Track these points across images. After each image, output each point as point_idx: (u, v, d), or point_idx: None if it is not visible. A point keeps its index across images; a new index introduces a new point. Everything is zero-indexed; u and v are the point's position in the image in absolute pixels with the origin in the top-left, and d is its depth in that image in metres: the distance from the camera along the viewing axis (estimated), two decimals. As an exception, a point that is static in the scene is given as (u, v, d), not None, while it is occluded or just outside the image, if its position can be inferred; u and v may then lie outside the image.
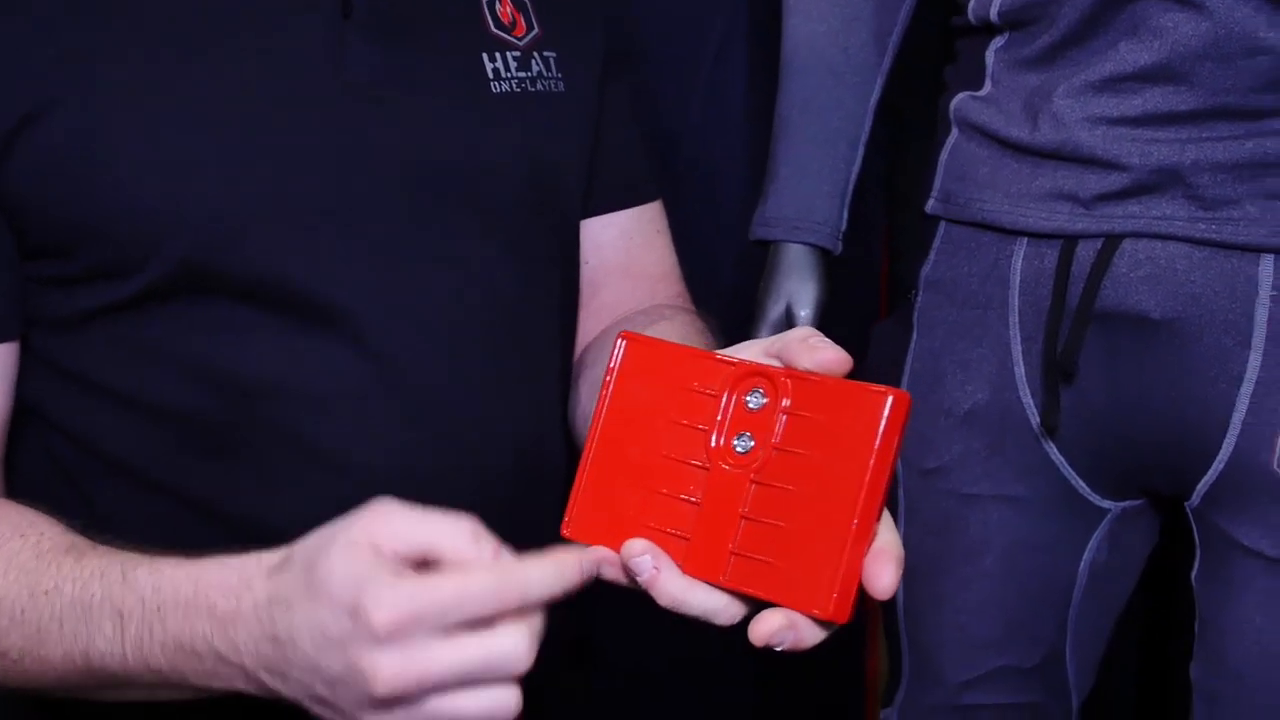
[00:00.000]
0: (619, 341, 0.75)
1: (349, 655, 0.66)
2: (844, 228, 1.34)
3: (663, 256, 1.15)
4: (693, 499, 0.71)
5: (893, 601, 1.27)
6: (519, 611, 0.66)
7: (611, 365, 0.75)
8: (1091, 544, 1.24)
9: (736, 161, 1.68)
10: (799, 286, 1.32)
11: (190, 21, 0.92)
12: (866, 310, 1.67)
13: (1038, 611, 1.26)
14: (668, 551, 0.71)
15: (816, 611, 0.66)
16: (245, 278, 0.91)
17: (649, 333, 0.92)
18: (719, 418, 0.71)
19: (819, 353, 0.71)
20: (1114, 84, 1.08)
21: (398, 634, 0.64)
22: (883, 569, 0.67)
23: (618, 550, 0.72)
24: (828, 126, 1.33)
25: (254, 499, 0.92)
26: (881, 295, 1.76)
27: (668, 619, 0.73)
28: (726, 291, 1.54)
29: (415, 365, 0.93)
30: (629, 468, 0.73)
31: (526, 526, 0.79)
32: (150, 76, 0.90)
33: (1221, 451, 1.11)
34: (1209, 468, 1.12)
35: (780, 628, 0.67)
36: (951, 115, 1.22)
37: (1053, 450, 1.19)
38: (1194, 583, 1.20)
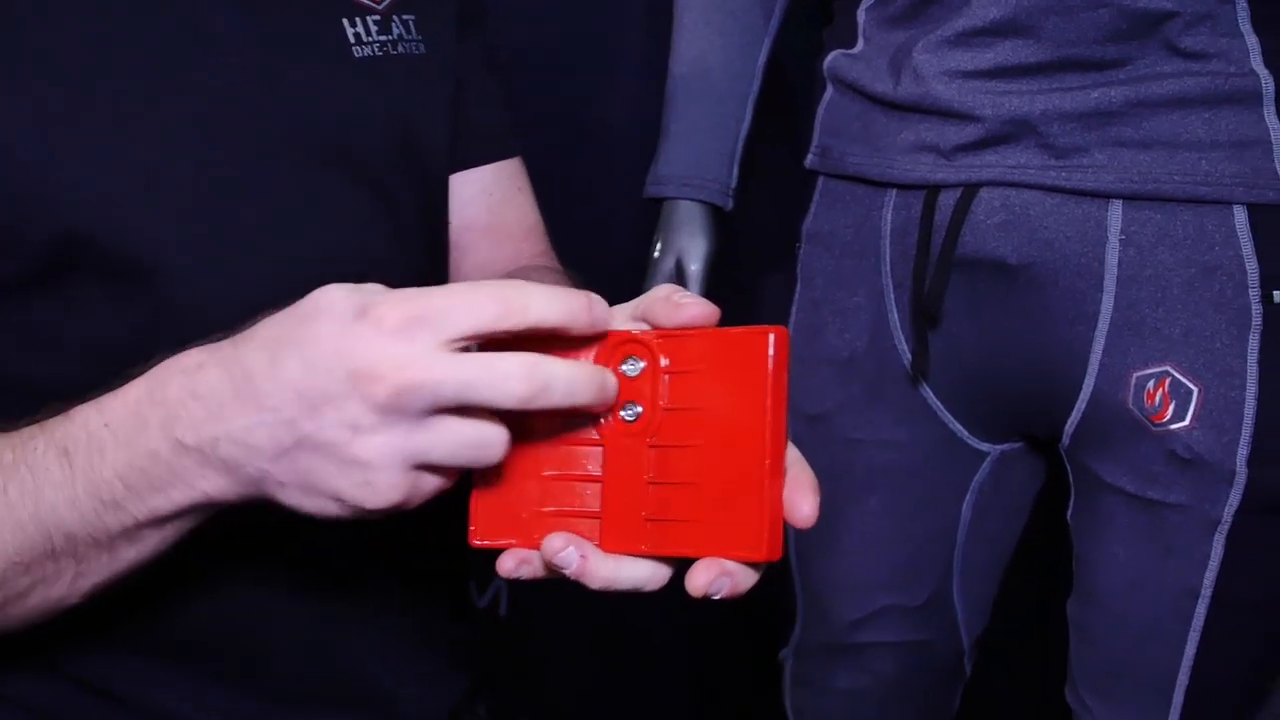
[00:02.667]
0: None
1: (354, 355, 0.64)
2: (734, 184, 1.38)
3: (526, 213, 1.17)
4: (594, 476, 0.71)
5: (785, 545, 1.31)
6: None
7: None
8: (973, 486, 1.28)
9: (632, 121, 1.72)
10: (689, 241, 1.36)
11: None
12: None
13: (923, 552, 1.30)
14: (582, 533, 0.70)
15: (751, 555, 0.66)
16: (116, 254, 0.90)
17: None
18: None
19: (684, 310, 0.71)
20: (968, 39, 1.12)
21: (406, 328, 0.64)
22: (802, 499, 0.68)
23: (534, 544, 0.71)
24: (717, 86, 1.36)
25: None
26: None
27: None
28: (625, 250, 1.58)
29: None
30: (521, 460, 0.72)
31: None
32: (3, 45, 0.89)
33: (1083, 392, 1.15)
34: (1073, 408, 1.16)
35: (716, 576, 0.67)
36: (826, 73, 1.26)
37: (929, 395, 1.23)
38: (1069, 521, 1.24)
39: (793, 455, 0.70)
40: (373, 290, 0.67)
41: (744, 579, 0.68)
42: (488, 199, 1.15)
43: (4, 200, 0.87)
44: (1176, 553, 1.13)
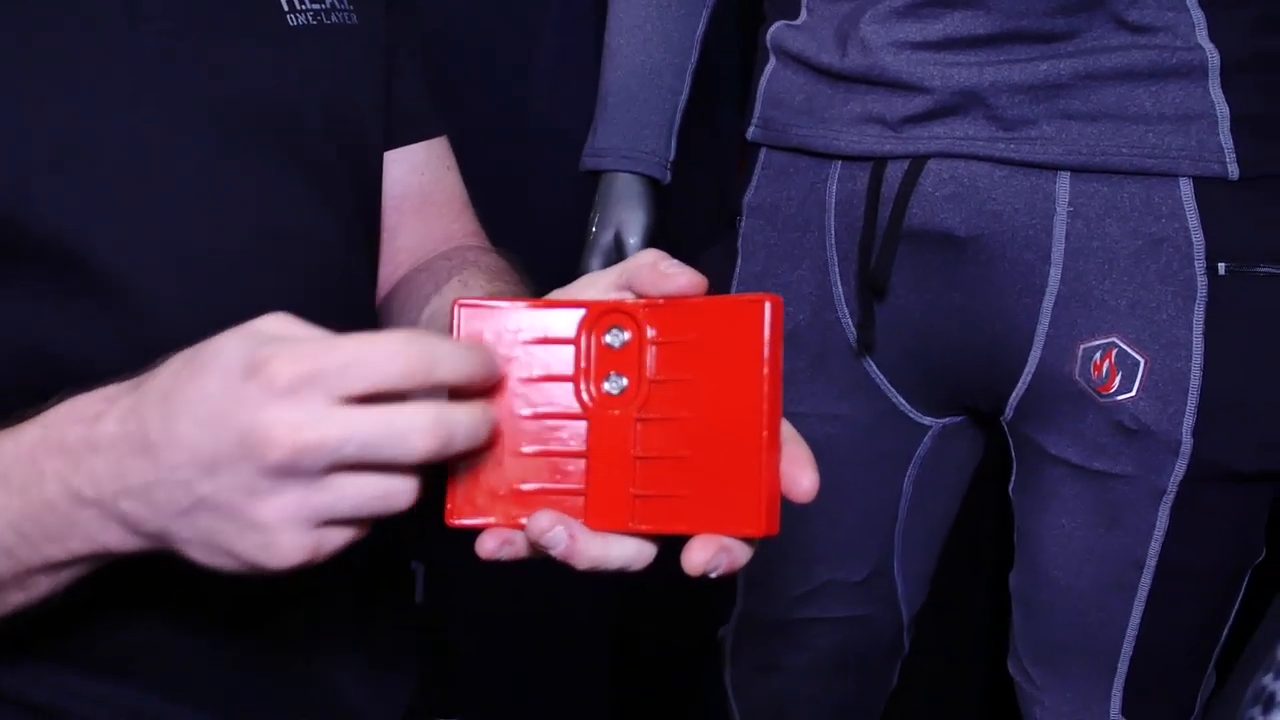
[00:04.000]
0: (457, 310, 0.71)
1: (242, 418, 0.62)
2: (672, 157, 1.36)
3: (455, 192, 1.15)
4: (578, 451, 0.68)
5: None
6: (425, 391, 0.64)
7: (456, 333, 0.70)
8: (915, 460, 1.28)
9: (572, 93, 1.70)
10: (628, 215, 1.35)
11: None
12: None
13: (865, 526, 1.30)
14: (566, 510, 0.67)
15: (750, 531, 0.64)
16: (38, 238, 0.87)
17: (456, 280, 0.94)
18: (582, 364, 0.68)
19: (672, 279, 0.68)
20: (916, 9, 1.11)
21: (299, 388, 0.61)
22: (801, 472, 0.67)
23: (515, 523, 0.69)
24: (653, 58, 1.35)
25: None
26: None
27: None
28: (560, 223, 1.56)
29: (222, 307, 0.92)
30: (499, 436, 0.68)
31: None
32: None
33: (1028, 364, 1.15)
34: (1018, 380, 1.16)
35: (715, 553, 0.65)
36: (769, 44, 1.25)
37: (872, 368, 1.23)
38: (1011, 494, 1.25)
39: (787, 430, 0.68)
40: (268, 339, 0.65)
41: (741, 554, 0.66)
42: (418, 178, 1.13)
43: None
44: (1122, 523, 1.14)
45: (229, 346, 0.64)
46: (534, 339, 0.69)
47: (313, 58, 0.99)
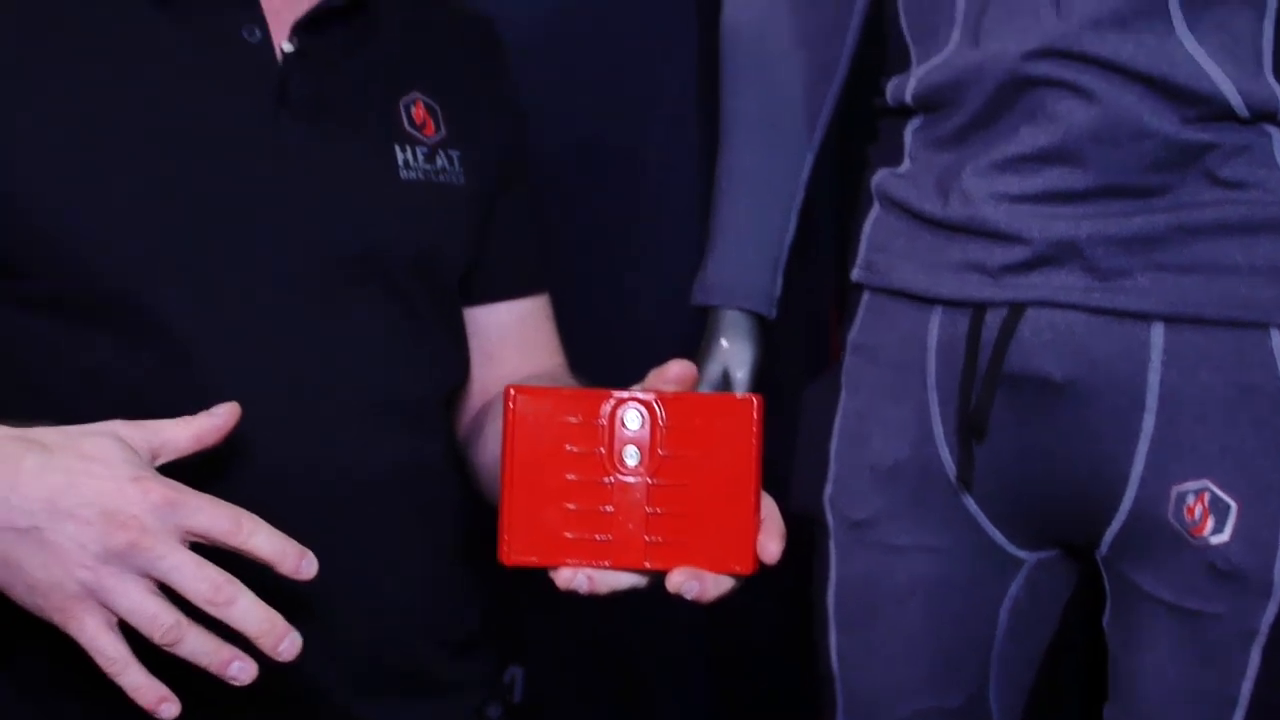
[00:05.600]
0: (510, 393, 0.89)
1: (113, 503, 0.83)
2: (778, 293, 1.42)
3: (550, 338, 1.33)
4: (605, 508, 0.88)
5: (825, 644, 1.35)
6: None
7: (510, 412, 0.89)
8: (1011, 591, 1.32)
9: (685, 227, 1.77)
10: (735, 350, 1.41)
11: (136, 79, 1.06)
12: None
13: (961, 655, 1.33)
14: (594, 553, 0.88)
15: (737, 569, 0.88)
16: (149, 319, 1.03)
17: None
18: (607, 440, 0.88)
19: (669, 369, 0.92)
20: (1016, 164, 1.17)
21: (161, 507, 0.84)
22: (770, 540, 0.88)
23: (557, 563, 0.88)
24: (761, 198, 1.42)
25: None
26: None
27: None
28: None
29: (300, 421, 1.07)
30: (544, 494, 0.88)
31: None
32: (85, 136, 1.03)
33: (1123, 505, 1.19)
34: (1113, 519, 1.20)
35: (688, 578, 0.87)
36: (874, 190, 1.30)
37: (970, 503, 1.27)
38: (1105, 627, 1.28)
39: (768, 506, 0.90)
40: (144, 461, 0.88)
41: (711, 588, 0.88)
42: (520, 325, 1.31)
43: (69, 263, 1.02)
44: (1215, 662, 1.17)
45: (118, 454, 0.86)
46: (573, 420, 0.89)
47: (416, 211, 1.17)
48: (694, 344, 1.44)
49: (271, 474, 1.04)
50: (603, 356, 1.25)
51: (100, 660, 0.84)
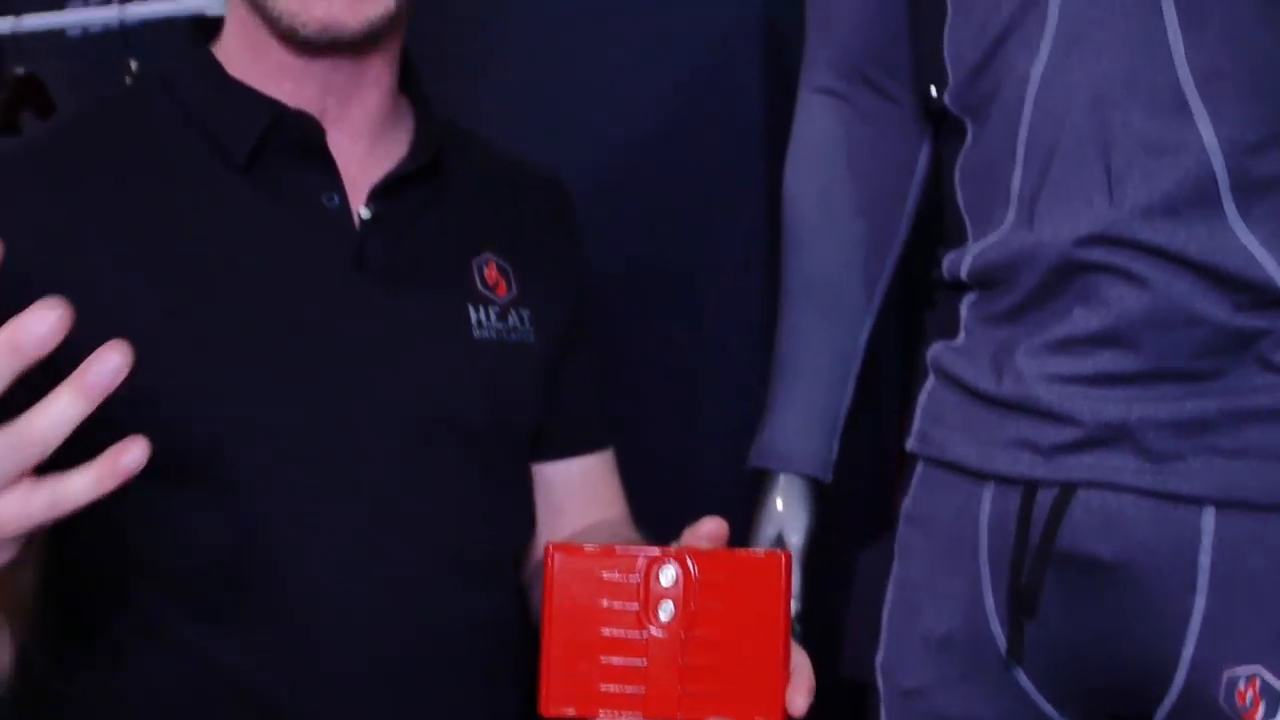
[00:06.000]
0: (550, 551, 0.92)
1: None
2: (834, 458, 1.44)
3: (614, 491, 1.38)
4: (640, 661, 0.90)
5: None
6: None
7: (549, 570, 0.92)
8: None
9: (741, 391, 1.79)
10: (790, 514, 1.42)
11: (219, 244, 1.11)
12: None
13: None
14: (629, 704, 0.90)
15: (767, 717, 0.90)
16: (226, 476, 1.07)
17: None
18: (642, 596, 0.91)
19: (703, 526, 0.97)
20: (1068, 345, 1.18)
21: None
22: (797, 694, 0.91)
23: (593, 713, 0.90)
24: (820, 363, 1.43)
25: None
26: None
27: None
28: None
29: (384, 574, 1.11)
30: (582, 647, 0.91)
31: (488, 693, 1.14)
32: (168, 299, 1.08)
33: (1174, 687, 1.18)
34: (1164, 700, 1.20)
35: None
36: (929, 363, 1.32)
37: (1020, 676, 1.27)
38: None
39: (799, 658, 0.92)
40: None
41: None
42: (584, 479, 1.35)
43: (151, 422, 0.99)
44: None
45: None
46: (610, 577, 0.92)
47: (489, 371, 1.19)
48: (751, 494, 1.46)
49: (344, 627, 1.08)
50: (663, 503, 1.27)
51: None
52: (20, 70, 2.19)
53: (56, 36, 2.28)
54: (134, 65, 2.05)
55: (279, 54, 1.14)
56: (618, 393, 1.47)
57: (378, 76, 1.18)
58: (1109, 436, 1.17)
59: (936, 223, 1.37)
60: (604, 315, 1.47)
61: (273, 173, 1.13)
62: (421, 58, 1.27)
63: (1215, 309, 1.14)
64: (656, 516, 1.37)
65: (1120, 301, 1.15)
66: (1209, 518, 1.16)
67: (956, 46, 1.25)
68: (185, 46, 1.20)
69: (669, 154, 1.90)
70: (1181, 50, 1.12)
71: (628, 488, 1.39)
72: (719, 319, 1.86)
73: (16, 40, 2.15)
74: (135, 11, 2.04)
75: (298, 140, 1.14)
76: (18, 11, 2.19)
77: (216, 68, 1.17)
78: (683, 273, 1.88)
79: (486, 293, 1.21)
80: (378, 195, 1.16)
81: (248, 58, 1.16)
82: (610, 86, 1.95)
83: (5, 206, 1.07)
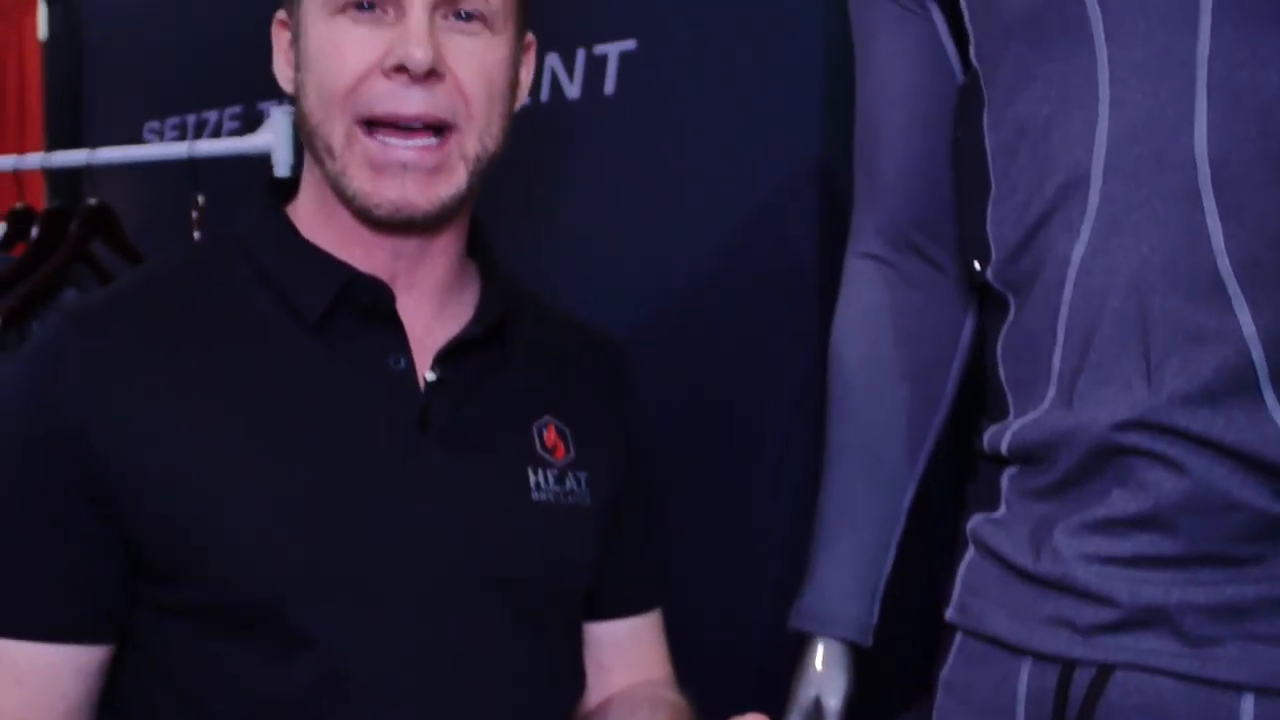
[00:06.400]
0: None
1: None
2: (875, 622, 1.44)
3: (660, 652, 1.40)
4: None
5: None
6: None
7: None
8: None
9: (782, 554, 1.80)
10: (829, 677, 1.42)
11: (287, 403, 1.15)
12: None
13: None
14: None
15: None
16: (289, 625, 1.10)
17: (646, 709, 1.25)
18: None
19: None
20: (1107, 526, 1.19)
21: None
22: None
23: None
24: (861, 528, 1.44)
25: None
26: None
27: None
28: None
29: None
30: None
31: None
32: (239, 455, 1.12)
33: None
34: None
35: None
36: (969, 535, 1.33)
37: None
38: None
39: None
40: None
41: None
42: (633, 639, 1.37)
43: (219, 575, 1.09)
44: None
45: None
46: None
47: (547, 533, 1.21)
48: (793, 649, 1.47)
49: None
50: (705, 666, 1.29)
51: None
52: (93, 200, 2.26)
53: (128, 169, 2.34)
54: (201, 200, 2.12)
55: (351, 223, 1.19)
56: (670, 543, 1.48)
57: (446, 245, 1.23)
58: (1147, 619, 1.17)
59: (980, 389, 1.38)
60: (658, 466, 1.50)
61: (342, 334, 1.17)
62: (484, 210, 1.31)
63: (1254, 495, 1.14)
64: (704, 674, 1.39)
65: (1159, 486, 1.16)
66: (1248, 704, 1.15)
67: (999, 224, 1.27)
68: (262, 207, 1.25)
69: (723, 302, 1.92)
70: (1220, 238, 1.14)
71: (676, 638, 1.41)
72: (773, 470, 1.86)
73: (90, 171, 2.22)
74: (204, 148, 2.10)
75: (368, 304, 1.18)
76: (93, 144, 2.27)
77: (291, 230, 1.22)
78: (737, 421, 1.89)
79: (545, 455, 1.24)
80: (443, 358, 1.20)
81: (321, 223, 1.21)
82: (665, 235, 1.98)
83: (91, 359, 1.12)
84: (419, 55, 1.11)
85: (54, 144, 3.73)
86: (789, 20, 1.84)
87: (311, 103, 1.17)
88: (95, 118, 3.36)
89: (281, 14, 1.24)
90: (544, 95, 2.16)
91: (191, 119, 2.93)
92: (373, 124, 1.14)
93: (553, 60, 2.15)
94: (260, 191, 1.26)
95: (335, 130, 1.15)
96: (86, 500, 1.10)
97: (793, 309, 1.84)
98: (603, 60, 2.09)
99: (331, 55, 1.14)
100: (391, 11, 1.14)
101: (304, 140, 1.21)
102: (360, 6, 1.14)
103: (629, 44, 2.05)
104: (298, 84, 1.19)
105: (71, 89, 3.53)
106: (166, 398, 1.11)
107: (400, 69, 1.12)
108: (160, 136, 2.99)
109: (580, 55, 2.12)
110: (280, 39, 1.24)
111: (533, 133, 2.09)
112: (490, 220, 1.32)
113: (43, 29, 4.18)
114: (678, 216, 1.98)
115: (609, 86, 2.08)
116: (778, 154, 1.88)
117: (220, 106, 2.84)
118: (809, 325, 1.78)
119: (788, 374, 1.83)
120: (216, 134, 2.80)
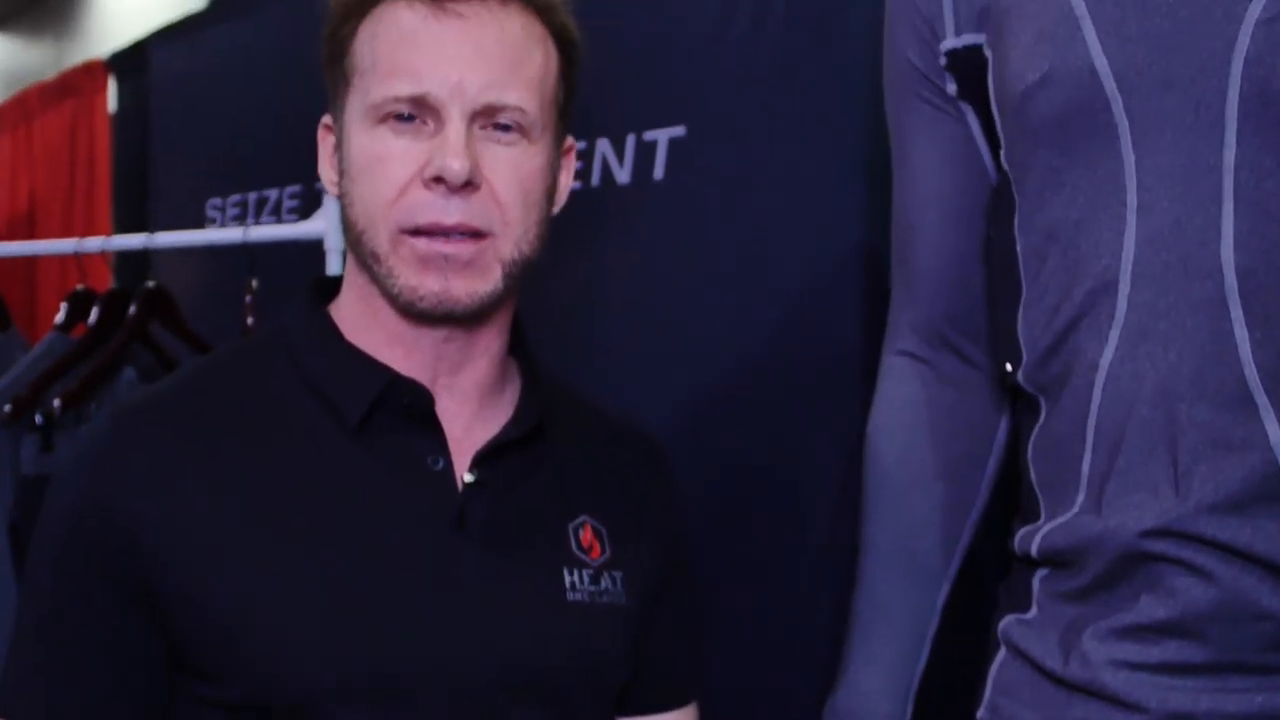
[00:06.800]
0: None
1: None
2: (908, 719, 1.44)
3: None
4: None
5: None
6: None
7: None
8: None
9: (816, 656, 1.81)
10: None
11: (326, 503, 1.17)
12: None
13: None
14: None
15: None
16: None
17: None
18: None
19: None
20: (1136, 633, 1.18)
21: None
22: None
23: None
24: (895, 625, 1.44)
25: None
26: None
27: None
28: None
29: None
30: None
31: None
32: (280, 556, 1.14)
33: None
34: None
35: None
36: (1000, 635, 1.33)
37: None
38: None
39: None
40: None
41: None
42: None
43: (256, 673, 1.12)
44: None
45: None
46: None
47: (581, 633, 1.23)
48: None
49: None
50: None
51: None
52: (151, 283, 2.31)
53: (185, 253, 2.40)
54: (255, 284, 2.16)
55: (395, 323, 1.21)
56: (709, 635, 1.49)
57: (488, 345, 1.25)
58: (1176, 726, 1.17)
59: (1013, 489, 1.39)
60: (698, 555, 1.50)
61: (382, 435, 1.20)
62: (534, 293, 1.33)
63: None
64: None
65: (1187, 593, 1.16)
66: None
67: (1030, 327, 1.28)
68: (306, 308, 1.28)
69: (765, 389, 1.93)
70: (1248, 348, 1.14)
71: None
72: (814, 564, 1.86)
73: (148, 255, 2.27)
74: (258, 234, 2.15)
75: (408, 406, 1.21)
76: (158, 218, 2.33)
77: (334, 332, 1.24)
78: (777, 509, 1.90)
79: (581, 555, 1.26)
80: (482, 459, 1.22)
81: (364, 325, 1.23)
82: (710, 320, 2.00)
83: (136, 461, 1.15)
84: (455, 167, 1.14)
85: (120, 216, 3.83)
86: (835, 108, 1.87)
87: (357, 211, 1.20)
88: (160, 193, 3.44)
89: (327, 119, 1.27)
90: (595, 180, 2.19)
91: (252, 196, 2.99)
92: (412, 232, 1.17)
93: (603, 145, 2.18)
94: (305, 291, 1.28)
95: (380, 237, 1.18)
96: (129, 599, 1.13)
97: (835, 398, 1.84)
98: (652, 146, 2.12)
99: (374, 166, 1.17)
100: (431, 123, 1.17)
101: (349, 244, 1.23)
102: (401, 118, 1.17)
103: (678, 130, 2.08)
104: (343, 191, 1.22)
105: (138, 163, 3.61)
106: (210, 499, 1.14)
107: (439, 179, 1.15)
108: (223, 213, 3.05)
109: (630, 141, 2.15)
110: (325, 143, 1.27)
111: (583, 217, 2.12)
112: (540, 301, 1.34)
113: (112, 103, 4.29)
114: (723, 301, 2.00)
115: (658, 172, 2.11)
116: (823, 241, 1.89)
117: (280, 185, 2.90)
118: (851, 414, 1.79)
119: (830, 464, 1.83)
120: (276, 212, 2.86)
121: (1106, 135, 1.20)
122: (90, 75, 4.73)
